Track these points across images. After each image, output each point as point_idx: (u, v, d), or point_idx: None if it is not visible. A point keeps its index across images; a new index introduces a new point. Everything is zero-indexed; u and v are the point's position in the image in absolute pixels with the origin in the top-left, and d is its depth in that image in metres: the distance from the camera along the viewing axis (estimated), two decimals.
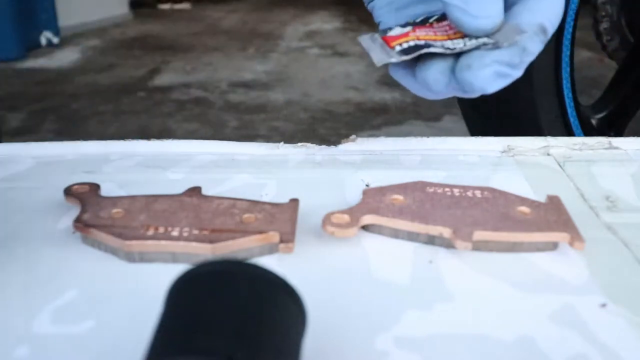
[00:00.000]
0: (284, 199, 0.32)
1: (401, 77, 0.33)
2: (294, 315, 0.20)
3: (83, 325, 0.24)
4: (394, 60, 0.31)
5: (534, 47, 0.30)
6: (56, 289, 0.27)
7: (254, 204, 0.31)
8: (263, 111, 1.79)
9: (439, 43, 0.31)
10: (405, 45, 0.31)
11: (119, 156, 0.41)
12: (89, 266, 0.28)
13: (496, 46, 0.29)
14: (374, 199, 0.31)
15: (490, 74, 0.29)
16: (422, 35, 0.31)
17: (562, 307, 0.25)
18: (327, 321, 0.24)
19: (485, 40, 0.30)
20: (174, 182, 0.37)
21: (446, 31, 0.31)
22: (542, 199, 0.33)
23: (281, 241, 0.28)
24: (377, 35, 0.33)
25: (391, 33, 0.32)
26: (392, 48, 0.31)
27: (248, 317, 0.18)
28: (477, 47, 0.30)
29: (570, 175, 0.38)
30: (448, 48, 0.30)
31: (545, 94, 0.81)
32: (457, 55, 0.30)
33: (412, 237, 0.30)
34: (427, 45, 0.30)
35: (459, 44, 0.30)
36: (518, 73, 0.30)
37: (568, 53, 0.81)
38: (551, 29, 0.31)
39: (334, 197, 0.35)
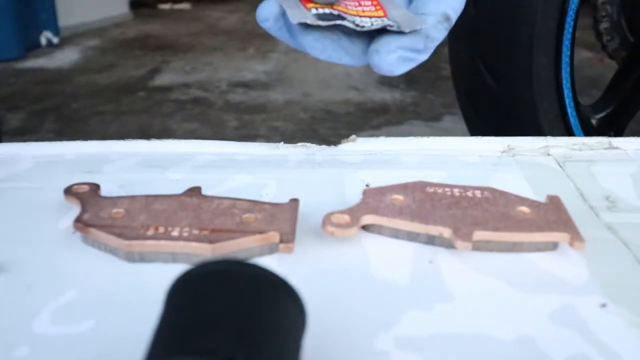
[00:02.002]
0: (284, 199, 0.32)
1: (303, 36, 0.33)
2: (294, 315, 0.20)
3: (83, 325, 0.24)
4: (309, 21, 0.31)
5: (438, 34, 0.33)
6: (56, 289, 0.27)
7: (254, 204, 0.31)
8: (263, 111, 1.79)
9: (350, 18, 0.31)
10: (320, 11, 0.31)
11: (119, 156, 0.41)
12: (89, 266, 0.28)
13: (399, 30, 0.30)
14: (374, 199, 0.31)
15: (395, 59, 0.31)
16: (335, 4, 0.32)
17: (562, 307, 0.25)
18: (327, 321, 0.24)
19: (389, 22, 0.31)
20: (174, 182, 0.37)
21: (355, 7, 0.32)
22: (542, 199, 0.33)
23: (281, 241, 0.28)
24: None
25: None
26: (308, 10, 0.31)
27: (248, 317, 0.18)
28: (382, 29, 0.31)
29: (570, 175, 0.38)
30: (358, 25, 0.31)
31: (545, 94, 0.81)
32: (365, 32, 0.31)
33: (412, 237, 0.30)
34: (341, 17, 0.31)
35: (367, 23, 0.31)
36: (423, 57, 0.33)
37: (568, 53, 0.81)
38: (454, 16, 0.34)
39: (334, 197, 0.35)
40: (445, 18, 0.33)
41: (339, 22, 0.31)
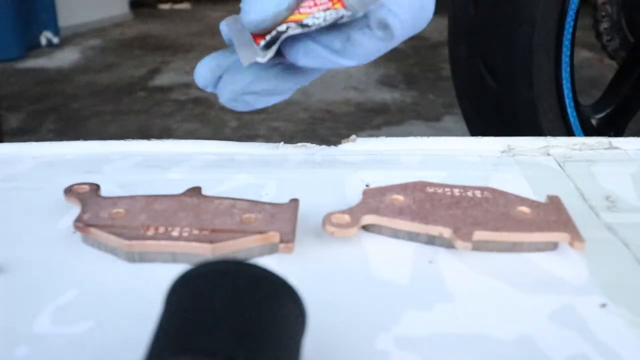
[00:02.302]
0: (284, 199, 0.32)
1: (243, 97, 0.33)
2: (294, 315, 0.20)
3: (83, 325, 0.24)
4: (260, 59, 0.30)
5: (364, 39, 0.29)
6: (56, 289, 0.27)
7: (254, 204, 0.31)
8: (263, 111, 1.79)
9: (296, 23, 0.29)
10: (268, 37, 0.30)
11: (119, 156, 0.41)
12: (89, 266, 0.28)
13: (353, 17, 0.28)
14: (374, 199, 0.31)
15: (300, 52, 0.30)
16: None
17: (562, 307, 0.25)
18: (327, 321, 0.24)
19: (343, 12, 0.29)
20: (174, 182, 0.37)
21: (310, 8, 0.30)
22: (542, 199, 0.33)
23: (281, 241, 0.28)
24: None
25: None
26: (258, 44, 0.30)
27: (248, 317, 0.18)
28: (336, 20, 0.29)
29: (570, 175, 0.38)
30: (306, 25, 0.29)
31: (545, 94, 0.81)
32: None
33: (412, 237, 0.30)
34: (287, 28, 0.29)
35: (319, 19, 0.29)
36: (346, 61, 0.30)
37: (568, 53, 0.81)
38: (398, 26, 0.29)
39: (334, 197, 0.35)
40: (381, 25, 0.29)
41: (284, 36, 0.29)
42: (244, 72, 0.32)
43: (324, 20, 0.29)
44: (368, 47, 0.30)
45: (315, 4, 0.30)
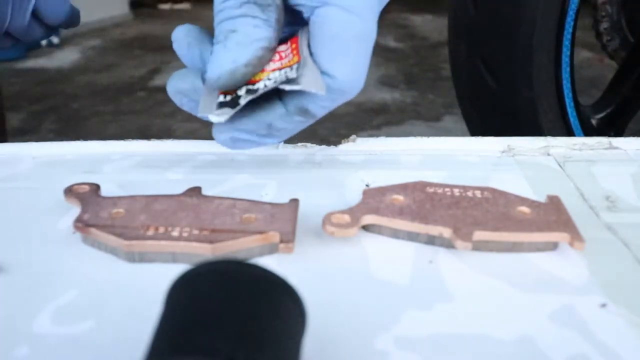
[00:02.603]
0: (284, 199, 0.32)
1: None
2: (294, 315, 0.20)
3: (83, 325, 0.24)
4: (213, 118, 0.30)
5: (285, 124, 0.31)
6: (56, 289, 0.26)
7: (254, 204, 0.31)
8: None
9: (247, 88, 0.30)
10: (222, 99, 0.30)
11: (119, 156, 0.41)
12: (89, 266, 0.28)
13: (297, 82, 0.29)
14: (374, 199, 0.31)
15: (229, 138, 0.32)
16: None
17: (562, 307, 0.25)
18: (327, 321, 0.24)
19: (288, 76, 0.29)
20: (174, 182, 0.37)
21: (274, 62, 0.30)
22: (542, 199, 0.33)
23: (281, 241, 0.28)
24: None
25: None
26: (217, 97, 0.31)
27: (248, 317, 0.18)
28: (280, 83, 0.29)
29: (570, 175, 0.38)
30: (255, 91, 0.29)
31: (545, 94, 0.81)
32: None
33: (412, 237, 0.30)
34: (239, 97, 0.30)
35: (261, 85, 0.29)
36: (273, 140, 0.32)
37: (568, 53, 0.81)
38: (319, 112, 0.31)
39: (334, 197, 0.35)
40: (302, 111, 0.31)
41: (237, 108, 0.29)
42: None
43: (274, 82, 0.29)
44: (290, 129, 0.32)
45: (281, 57, 0.30)
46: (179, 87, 0.33)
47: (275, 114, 0.31)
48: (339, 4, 0.30)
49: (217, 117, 0.30)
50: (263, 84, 0.29)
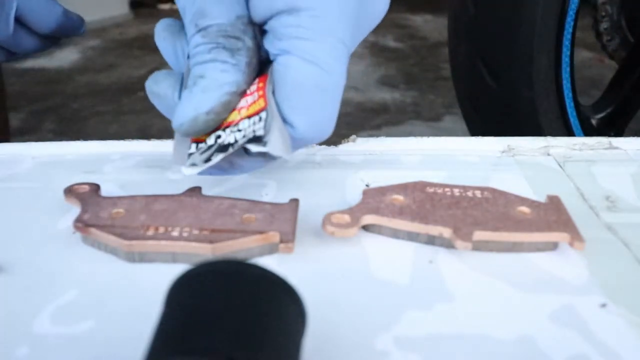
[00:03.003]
0: (284, 199, 0.32)
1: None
2: (294, 315, 0.20)
3: (83, 325, 0.24)
4: (184, 170, 0.30)
5: (246, 162, 0.31)
6: (56, 289, 0.27)
7: (254, 204, 0.31)
8: None
9: (213, 136, 0.30)
10: (192, 149, 0.30)
11: (119, 156, 0.41)
12: (89, 266, 0.28)
13: (263, 143, 0.28)
14: (374, 199, 0.31)
15: (194, 170, 0.30)
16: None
17: (562, 307, 0.25)
18: (327, 321, 0.24)
19: (255, 132, 0.29)
20: (174, 182, 0.37)
21: (242, 106, 0.30)
22: (542, 199, 0.33)
23: (281, 241, 0.28)
24: None
25: None
26: (190, 144, 0.31)
27: (248, 317, 0.18)
28: (248, 141, 0.29)
29: (570, 175, 0.38)
30: (227, 146, 0.29)
31: (545, 94, 0.81)
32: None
33: (412, 237, 0.30)
34: (212, 151, 0.30)
35: (231, 138, 0.29)
36: (236, 172, 0.31)
37: (568, 53, 0.81)
38: (279, 154, 0.29)
39: (334, 197, 0.35)
40: (263, 155, 0.30)
41: (210, 164, 0.29)
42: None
43: (243, 136, 0.29)
44: (252, 165, 0.31)
45: (246, 94, 0.30)
46: (152, 89, 0.33)
47: (236, 154, 0.31)
48: (300, 55, 0.29)
49: (189, 170, 0.30)
50: (233, 138, 0.29)
